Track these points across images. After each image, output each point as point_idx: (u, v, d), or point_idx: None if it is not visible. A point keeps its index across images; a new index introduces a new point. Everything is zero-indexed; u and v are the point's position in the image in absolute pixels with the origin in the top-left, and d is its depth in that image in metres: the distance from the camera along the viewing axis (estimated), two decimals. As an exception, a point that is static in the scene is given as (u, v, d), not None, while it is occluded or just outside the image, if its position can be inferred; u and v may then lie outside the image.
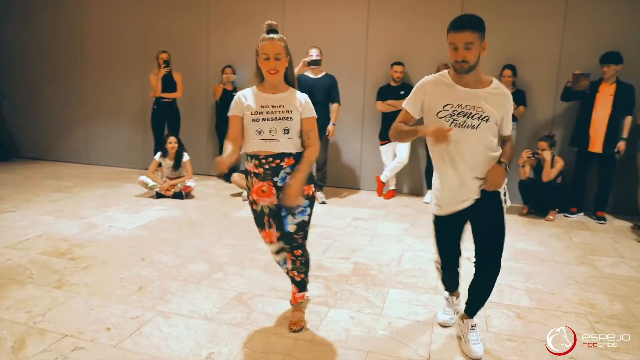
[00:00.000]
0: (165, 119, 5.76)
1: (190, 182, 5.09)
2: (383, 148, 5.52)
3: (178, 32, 6.24)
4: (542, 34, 5.01)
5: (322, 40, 5.42)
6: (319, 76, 5.03)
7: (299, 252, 2.40)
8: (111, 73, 6.63)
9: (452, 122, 2.11)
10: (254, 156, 2.29)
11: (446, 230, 2.38)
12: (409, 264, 3.45)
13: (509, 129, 2.24)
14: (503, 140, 2.26)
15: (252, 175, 2.33)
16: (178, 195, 5.04)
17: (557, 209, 4.77)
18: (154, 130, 5.79)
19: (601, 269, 3.47)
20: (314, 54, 4.90)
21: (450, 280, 2.58)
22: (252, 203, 2.39)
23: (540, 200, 4.76)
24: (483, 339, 2.40)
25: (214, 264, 3.32)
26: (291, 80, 2.38)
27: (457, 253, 2.45)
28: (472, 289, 2.38)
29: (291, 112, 2.28)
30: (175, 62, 5.71)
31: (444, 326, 2.56)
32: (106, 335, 2.35)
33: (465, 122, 2.11)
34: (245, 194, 5.10)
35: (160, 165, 5.16)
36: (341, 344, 2.36)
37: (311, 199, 2.38)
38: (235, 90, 5.81)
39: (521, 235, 4.19)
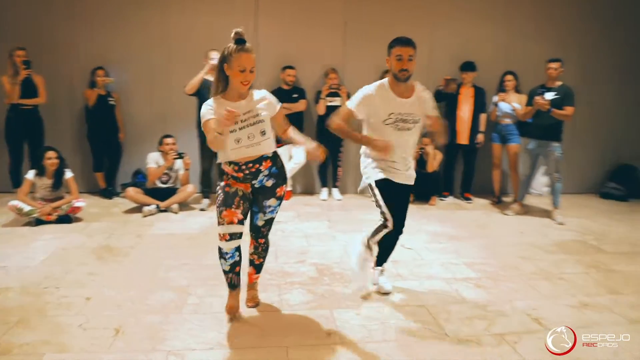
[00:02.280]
0: (24, 129, 4.78)
1: (79, 202, 4.37)
2: (279, 150, 5.54)
3: (27, 24, 5.18)
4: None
5: (207, 43, 5.20)
6: (219, 80, 4.85)
7: (262, 240, 2.68)
8: None
9: (395, 128, 2.66)
10: (233, 162, 2.42)
11: (392, 193, 2.73)
12: (360, 258, 3.69)
13: (430, 110, 2.74)
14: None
15: (230, 177, 2.47)
16: (64, 219, 4.27)
17: (436, 195, 5.60)
18: (9, 143, 4.77)
19: (498, 239, 4.27)
20: (215, 56, 4.70)
21: (386, 253, 3.03)
22: (226, 186, 2.46)
23: (424, 188, 5.51)
24: (470, 313, 2.81)
25: (177, 290, 3.02)
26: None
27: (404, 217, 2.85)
28: (385, 244, 2.96)
29: (260, 114, 2.40)
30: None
31: (386, 293, 2.98)
32: (128, 391, 2.00)
33: (404, 126, 2.69)
34: (147, 208, 4.62)
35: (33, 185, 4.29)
36: (371, 339, 2.47)
37: (280, 199, 2.57)
38: (109, 95, 5.15)
39: (424, 219, 4.82)
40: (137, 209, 4.82)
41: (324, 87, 5.43)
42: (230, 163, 2.43)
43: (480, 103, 5.51)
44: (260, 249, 2.71)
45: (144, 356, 2.27)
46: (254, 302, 2.79)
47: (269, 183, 2.50)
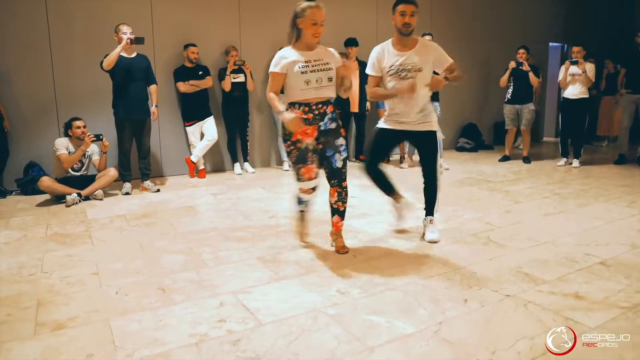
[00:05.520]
0: None
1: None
2: (190, 129, 5.53)
3: None
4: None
5: (101, 23, 4.88)
6: (132, 56, 4.61)
7: (345, 183, 2.84)
8: None
9: (397, 77, 2.96)
10: (303, 104, 2.67)
11: (383, 139, 3.19)
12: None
13: (447, 62, 3.00)
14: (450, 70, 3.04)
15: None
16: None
17: (339, 158, 6.23)
18: None
19: (414, 184, 5.06)
20: (128, 31, 4.44)
21: (383, 184, 3.30)
22: (297, 142, 2.71)
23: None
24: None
25: (183, 252, 2.99)
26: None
27: (383, 158, 3.37)
28: (425, 194, 3.30)
29: (329, 63, 2.72)
30: None
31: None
32: None
33: (407, 75, 2.97)
34: (69, 197, 4.17)
35: None
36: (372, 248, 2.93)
37: (345, 139, 2.85)
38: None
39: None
40: (52, 201, 4.30)
41: (228, 64, 5.52)
42: (300, 105, 2.66)
43: (365, 75, 6.28)
44: (344, 193, 2.84)
45: (214, 299, 2.32)
46: (345, 249, 2.96)
47: (333, 125, 2.76)
